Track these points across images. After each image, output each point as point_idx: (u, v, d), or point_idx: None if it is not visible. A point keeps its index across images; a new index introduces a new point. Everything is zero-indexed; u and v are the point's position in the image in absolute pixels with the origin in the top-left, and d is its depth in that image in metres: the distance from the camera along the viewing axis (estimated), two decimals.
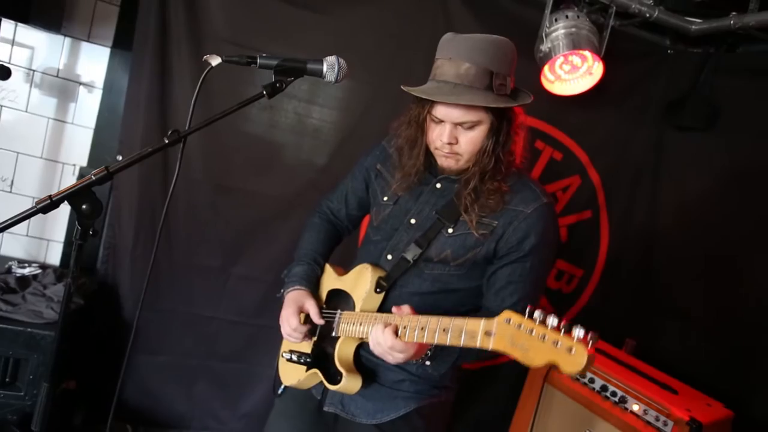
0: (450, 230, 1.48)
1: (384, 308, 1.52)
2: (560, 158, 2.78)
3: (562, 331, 1.02)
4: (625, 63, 2.69)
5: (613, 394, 1.97)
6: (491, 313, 1.46)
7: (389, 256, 1.55)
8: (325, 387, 1.56)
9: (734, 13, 2.29)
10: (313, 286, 1.67)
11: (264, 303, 2.63)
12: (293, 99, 2.51)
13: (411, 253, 1.50)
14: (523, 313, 1.47)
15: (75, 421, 2.54)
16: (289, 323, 1.56)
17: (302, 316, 1.59)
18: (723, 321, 2.35)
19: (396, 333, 1.32)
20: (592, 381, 2.03)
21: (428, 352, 1.40)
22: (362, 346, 1.54)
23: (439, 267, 1.51)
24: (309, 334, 1.60)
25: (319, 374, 1.55)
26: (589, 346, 0.97)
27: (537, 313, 1.07)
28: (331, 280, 1.68)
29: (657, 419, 1.85)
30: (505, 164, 1.45)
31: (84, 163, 2.48)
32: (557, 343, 1.00)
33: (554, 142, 2.75)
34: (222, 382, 2.72)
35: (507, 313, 1.11)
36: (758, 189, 2.34)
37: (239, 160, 2.51)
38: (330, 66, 1.32)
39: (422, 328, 1.28)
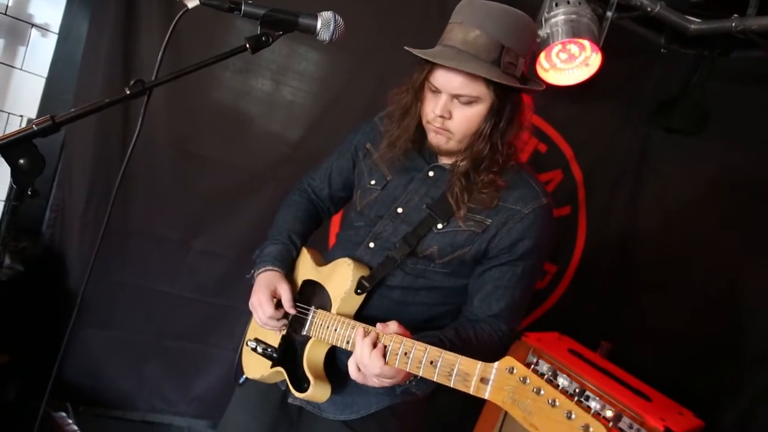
0: (440, 226, 1.35)
1: (363, 310, 1.37)
2: (544, 151, 2.70)
3: (576, 398, 0.87)
4: (617, 58, 2.59)
5: (587, 398, 1.91)
6: (474, 319, 1.37)
7: (371, 244, 1.42)
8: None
9: (736, 15, 2.22)
10: (287, 267, 1.51)
11: (225, 281, 2.46)
12: (270, 66, 2.32)
13: (399, 252, 1.36)
14: (509, 321, 1.38)
15: (8, 396, 2.34)
16: (263, 309, 1.40)
17: (274, 301, 1.43)
18: (696, 328, 2.33)
19: (384, 356, 1.15)
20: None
21: (413, 379, 1.23)
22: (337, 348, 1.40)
23: (423, 263, 1.38)
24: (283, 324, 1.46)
25: (285, 375, 1.40)
26: (610, 425, 0.85)
27: (546, 367, 0.94)
28: (307, 268, 1.52)
29: (630, 427, 1.79)
30: (502, 155, 1.31)
31: (33, 114, 2.23)
32: (570, 415, 0.84)
33: (540, 133, 2.66)
34: (174, 362, 2.55)
35: (509, 361, 0.95)
36: (744, 199, 2.31)
37: (207, 127, 2.31)
38: (325, 22, 1.16)
39: (406, 354, 1.12)
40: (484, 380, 0.97)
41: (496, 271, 1.35)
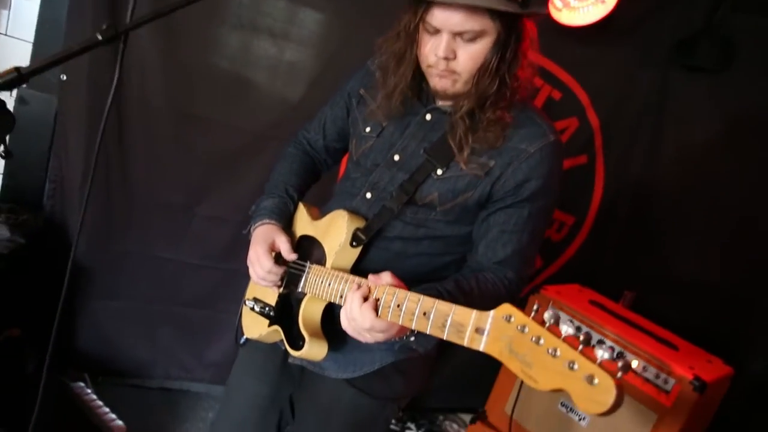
0: (439, 171, 1.26)
1: (361, 263, 1.31)
2: (559, 98, 2.56)
3: (581, 346, 0.76)
4: None
5: (595, 346, 1.83)
6: (479, 268, 1.29)
7: (368, 195, 1.34)
8: None
9: None
10: (285, 221, 1.45)
11: (231, 245, 2.40)
12: (270, 24, 2.19)
13: (396, 201, 1.29)
14: (516, 268, 1.30)
15: (28, 368, 2.34)
16: (261, 264, 1.35)
17: (273, 255, 1.37)
18: (721, 274, 2.24)
19: (376, 309, 1.09)
20: (588, 336, 1.87)
21: (410, 334, 1.18)
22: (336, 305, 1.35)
23: (423, 211, 1.30)
24: (279, 281, 1.40)
25: (281, 333, 1.35)
26: (618, 376, 0.71)
27: (548, 313, 0.81)
28: (303, 224, 1.46)
29: (657, 377, 1.74)
30: (510, 89, 1.22)
31: None
32: (573, 365, 0.74)
33: (554, 79, 2.52)
34: (186, 330, 2.52)
35: (506, 309, 0.86)
36: None
37: (205, 88, 2.20)
38: None
39: (398, 306, 1.05)
40: (479, 330, 0.89)
41: (502, 214, 1.28)
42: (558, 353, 0.76)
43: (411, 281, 1.19)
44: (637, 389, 1.84)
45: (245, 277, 1.61)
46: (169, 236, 2.35)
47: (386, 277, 1.13)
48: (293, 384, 1.52)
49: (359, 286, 1.14)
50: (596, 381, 0.71)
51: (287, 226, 1.46)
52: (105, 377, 2.49)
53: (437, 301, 0.99)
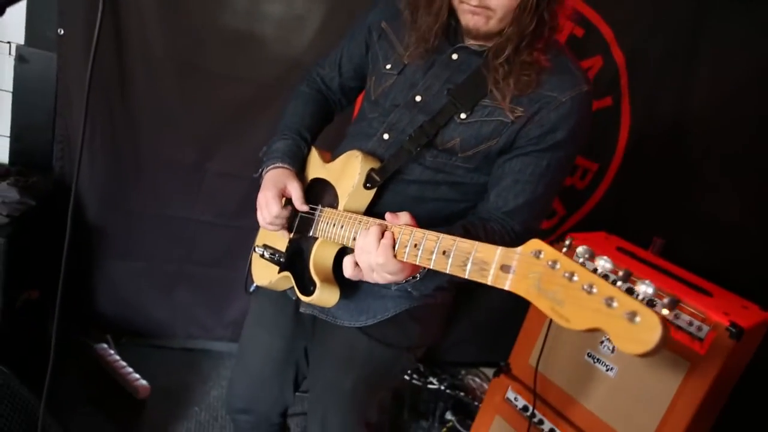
0: (463, 115, 1.18)
1: (375, 207, 1.24)
2: (582, 35, 2.40)
3: (620, 282, 0.69)
4: None
5: (635, 282, 1.75)
6: (487, 217, 1.22)
7: (386, 136, 1.27)
8: None
9: None
10: (298, 165, 1.39)
11: (245, 202, 2.34)
12: None
13: (415, 143, 1.21)
14: (524, 220, 1.22)
15: (49, 330, 2.35)
16: (268, 208, 1.29)
17: (283, 200, 1.32)
18: (755, 219, 2.12)
19: (393, 248, 1.03)
20: (628, 272, 1.77)
21: (418, 273, 1.12)
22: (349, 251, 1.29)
23: (443, 156, 1.23)
24: (288, 226, 1.34)
25: (291, 280, 1.31)
26: (665, 313, 0.64)
27: (582, 248, 0.74)
28: (315, 167, 1.40)
29: (690, 324, 1.65)
30: (548, 28, 1.13)
31: (21, 40, 2.08)
32: (611, 302, 0.66)
33: (576, 15, 2.35)
34: (204, 289, 2.51)
35: (535, 244, 0.78)
36: None
37: (210, 39, 2.11)
38: None
39: (416, 245, 0.98)
40: (504, 268, 0.82)
41: (518, 162, 1.20)
42: (594, 290, 0.68)
43: (425, 227, 1.13)
44: (669, 337, 1.75)
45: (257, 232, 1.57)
46: (181, 194, 2.31)
47: (404, 216, 1.06)
48: (306, 335, 1.49)
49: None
50: (638, 318, 0.63)
51: (300, 171, 1.40)
52: (128, 338, 2.51)
53: (457, 239, 0.92)
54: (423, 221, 1.20)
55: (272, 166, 1.36)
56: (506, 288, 0.81)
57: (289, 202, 1.32)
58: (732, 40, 2.28)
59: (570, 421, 2.02)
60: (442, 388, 2.85)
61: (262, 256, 1.41)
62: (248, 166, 2.27)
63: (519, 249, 0.81)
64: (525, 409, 2.14)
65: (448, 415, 2.71)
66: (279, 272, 1.36)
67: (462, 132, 1.20)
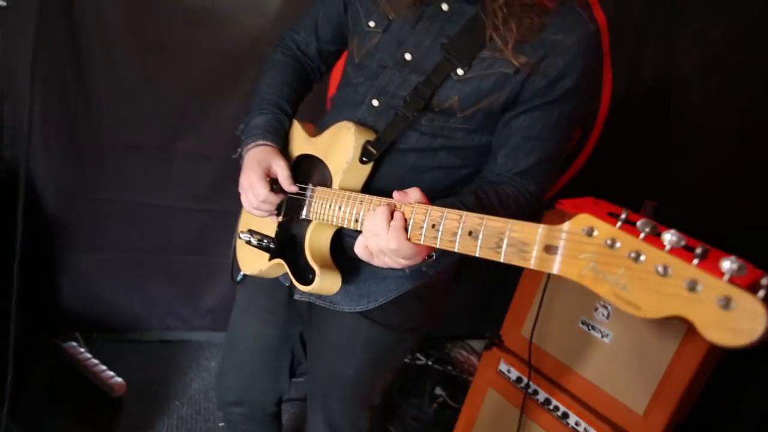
0: (460, 71, 1.08)
1: (370, 182, 1.15)
2: None
3: (697, 260, 0.59)
4: None
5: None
6: (497, 181, 1.12)
7: (375, 102, 1.16)
8: None
9: None
10: (281, 141, 1.27)
11: (219, 184, 2.23)
12: None
13: (411, 107, 1.11)
14: (539, 180, 1.13)
15: (17, 332, 2.20)
16: (254, 192, 1.18)
17: (269, 181, 1.20)
18: (749, 176, 2.10)
19: (406, 230, 0.93)
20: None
21: (432, 254, 1.01)
22: (344, 231, 1.19)
23: (440, 118, 1.13)
24: (276, 209, 1.24)
25: (286, 267, 1.21)
26: (761, 295, 0.54)
27: (642, 222, 0.63)
28: (300, 142, 1.28)
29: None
30: None
31: None
32: (695, 286, 0.57)
33: None
34: (179, 277, 2.39)
35: (585, 220, 0.68)
36: None
37: (169, 7, 1.95)
38: None
39: (433, 226, 0.87)
40: (549, 249, 0.71)
41: (526, 118, 1.11)
42: (670, 272, 0.59)
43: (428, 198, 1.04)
44: None
45: (237, 216, 1.46)
46: (150, 179, 2.17)
47: (414, 193, 0.96)
48: (302, 321, 1.40)
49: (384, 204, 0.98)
50: (734, 304, 0.55)
51: (283, 147, 1.28)
52: (99, 335, 2.37)
53: (486, 217, 0.81)
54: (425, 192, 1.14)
55: (253, 144, 1.24)
56: (554, 272, 0.70)
57: (275, 182, 1.21)
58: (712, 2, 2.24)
59: (566, 390, 2.00)
60: (430, 363, 2.81)
61: (249, 242, 1.30)
62: (221, 146, 2.16)
63: (566, 226, 0.70)
64: (519, 380, 2.11)
65: (438, 391, 2.68)
66: (270, 260, 1.26)
67: (461, 89, 1.09)
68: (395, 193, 0.98)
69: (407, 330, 1.34)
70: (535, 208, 1.16)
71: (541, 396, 2.04)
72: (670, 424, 1.78)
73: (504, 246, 0.77)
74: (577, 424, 1.94)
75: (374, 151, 1.12)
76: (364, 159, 1.12)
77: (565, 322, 2.00)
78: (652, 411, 1.79)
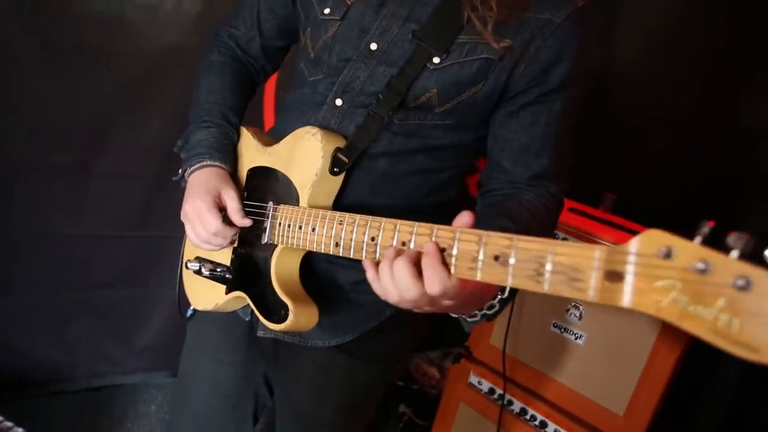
0: (436, 60, 0.95)
1: (343, 196, 0.99)
2: None
3: None
4: None
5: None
6: (515, 193, 0.99)
7: (338, 101, 1.01)
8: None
9: None
10: (231, 161, 1.10)
11: (148, 206, 2.00)
12: None
13: (385, 106, 0.96)
14: (558, 178, 1.01)
15: None
16: (203, 224, 1.00)
17: (221, 212, 1.03)
18: (700, 162, 2.11)
19: (444, 263, 0.72)
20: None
21: (499, 293, 0.83)
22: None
23: (416, 115, 0.99)
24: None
25: (249, 302, 1.03)
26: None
27: (735, 237, 0.49)
28: (252, 153, 1.11)
29: None
30: None
31: None
32: None
33: None
34: (107, 316, 2.12)
35: (659, 237, 0.53)
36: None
37: (75, 6, 1.69)
38: None
39: (473, 259, 0.68)
40: (612, 276, 0.56)
41: (526, 115, 0.98)
42: None
43: (403, 209, 0.91)
44: None
45: (175, 244, 1.26)
46: (64, 206, 1.90)
47: (466, 217, 0.74)
48: (266, 360, 1.23)
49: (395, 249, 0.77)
50: None
51: (234, 168, 1.10)
52: (13, 392, 2.04)
53: (515, 237, 0.65)
54: (399, 202, 1.02)
55: (198, 164, 1.06)
56: (624, 305, 0.54)
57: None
58: None
59: (542, 397, 1.92)
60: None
61: (199, 272, 1.10)
62: (147, 163, 1.93)
63: (633, 246, 0.54)
64: (491, 392, 2.01)
65: (402, 408, 2.54)
66: (227, 293, 1.07)
67: (438, 80, 0.95)
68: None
69: (389, 360, 1.20)
70: (559, 211, 1.04)
71: (516, 406, 1.95)
72: (651, 423, 1.73)
73: (547, 274, 0.61)
74: None
75: (346, 159, 0.97)
76: (335, 170, 0.96)
77: (536, 327, 1.92)
78: (633, 411, 1.74)
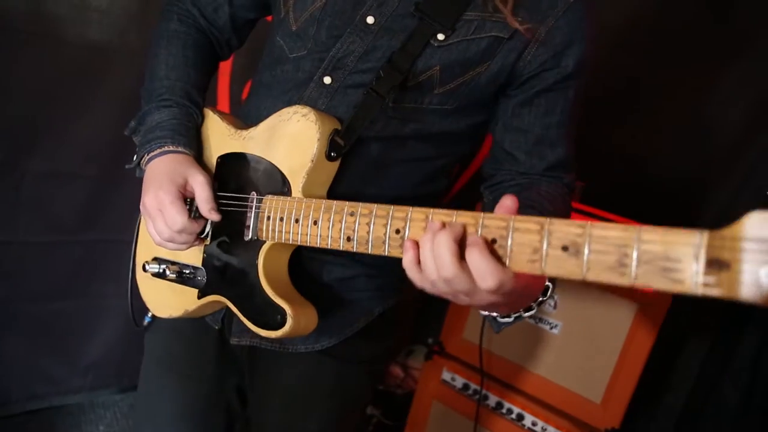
0: (441, 36, 0.87)
1: (339, 184, 0.90)
2: None
3: None
4: None
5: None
6: (528, 183, 0.94)
7: (327, 79, 0.92)
8: (227, 312, 0.98)
9: None
10: (195, 144, 0.98)
11: (89, 208, 1.82)
12: None
13: (386, 84, 0.88)
14: (569, 168, 0.96)
15: None
16: (167, 218, 0.88)
17: (186, 202, 0.91)
18: (672, 152, 2.12)
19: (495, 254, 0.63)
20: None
21: (548, 284, 0.75)
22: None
23: (413, 96, 0.91)
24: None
25: (231, 306, 0.91)
26: None
27: None
28: (220, 137, 1.00)
29: None
30: None
31: None
32: None
33: None
34: (45, 331, 1.92)
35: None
36: None
37: None
38: None
39: (536, 250, 0.59)
40: (716, 264, 0.48)
41: (542, 102, 0.93)
42: None
43: (392, 201, 0.82)
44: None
45: (119, 248, 1.13)
46: None
47: (508, 200, 0.66)
48: (237, 371, 1.12)
49: (438, 227, 0.66)
50: None
51: (199, 154, 0.98)
52: None
53: (587, 223, 0.57)
54: (392, 192, 0.94)
55: (158, 150, 0.94)
56: (739, 297, 0.46)
57: (193, 203, 0.92)
58: None
59: (518, 390, 1.89)
60: None
61: (161, 275, 0.97)
62: (85, 160, 1.75)
63: (742, 228, 0.47)
64: (465, 387, 1.96)
65: (370, 411, 2.45)
66: (201, 296, 0.94)
67: (442, 57, 0.88)
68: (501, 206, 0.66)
69: (378, 362, 1.12)
70: (572, 199, 1.00)
71: (492, 400, 1.91)
72: (629, 410, 1.73)
73: (633, 264, 0.53)
74: (534, 424, 1.84)
75: (343, 143, 0.87)
76: (332, 154, 0.86)
77: None
78: (610, 398, 1.73)
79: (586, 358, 1.76)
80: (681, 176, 2.09)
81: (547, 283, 0.73)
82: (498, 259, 0.62)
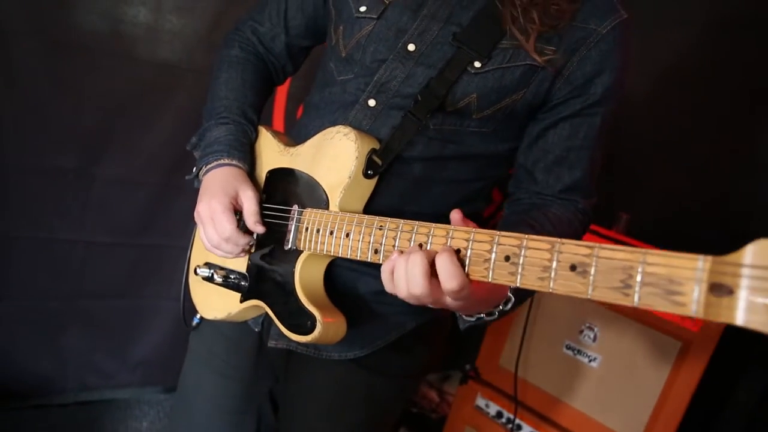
0: (477, 64, 0.91)
1: (372, 202, 0.95)
2: None
3: None
4: None
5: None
6: (541, 203, 0.96)
7: (371, 102, 0.97)
8: (266, 317, 1.03)
9: None
10: (249, 160, 1.05)
11: (149, 215, 1.92)
12: None
13: (424, 108, 0.92)
14: (587, 193, 0.97)
15: None
16: (217, 227, 0.95)
17: (237, 215, 0.98)
18: (708, 183, 2.08)
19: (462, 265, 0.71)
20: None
21: (510, 294, 0.81)
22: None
23: (453, 121, 0.95)
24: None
25: (268, 311, 0.97)
26: None
27: None
28: (271, 153, 1.06)
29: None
30: None
31: None
32: None
33: None
34: (101, 327, 2.03)
35: None
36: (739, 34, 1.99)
37: (82, 6, 1.64)
38: None
39: (508, 258, 0.65)
40: (718, 289, 0.49)
41: (566, 126, 0.96)
42: None
43: (431, 219, 0.86)
44: (656, 316, 1.63)
45: (175, 253, 1.21)
46: (63, 210, 1.82)
47: (455, 214, 0.78)
48: (273, 374, 1.18)
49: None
50: None
51: (252, 168, 1.05)
52: None
53: (596, 245, 0.59)
54: (428, 211, 0.96)
55: (215, 163, 1.02)
56: (738, 322, 0.48)
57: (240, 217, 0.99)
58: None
59: (552, 421, 1.85)
60: None
61: (210, 279, 1.04)
62: (150, 170, 1.87)
63: (746, 257, 0.47)
64: (499, 415, 1.93)
65: None
66: (243, 301, 1.00)
67: (479, 85, 0.92)
68: (454, 214, 0.78)
69: (409, 376, 1.14)
70: (586, 227, 1.01)
71: (526, 430, 1.88)
72: None
73: (637, 286, 0.55)
74: None
75: (380, 162, 0.92)
76: (369, 172, 0.91)
77: (548, 348, 1.86)
78: None
79: (625, 395, 1.71)
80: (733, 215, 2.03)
81: (509, 294, 0.80)
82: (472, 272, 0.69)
